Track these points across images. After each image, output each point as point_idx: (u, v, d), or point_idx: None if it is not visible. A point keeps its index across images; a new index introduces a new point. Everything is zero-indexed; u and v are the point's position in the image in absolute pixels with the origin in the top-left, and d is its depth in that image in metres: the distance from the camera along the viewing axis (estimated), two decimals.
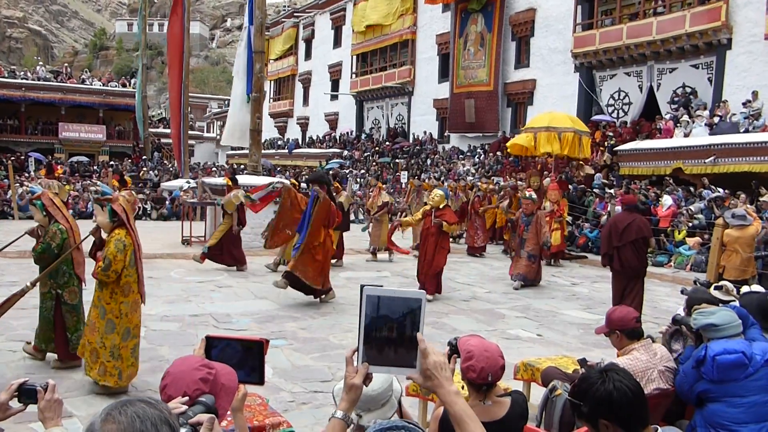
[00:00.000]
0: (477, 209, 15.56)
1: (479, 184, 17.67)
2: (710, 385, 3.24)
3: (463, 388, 3.35)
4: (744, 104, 17.03)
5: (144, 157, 33.83)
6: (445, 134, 30.59)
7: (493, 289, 10.96)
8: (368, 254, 14.00)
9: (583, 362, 3.96)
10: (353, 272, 12.25)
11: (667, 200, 15.43)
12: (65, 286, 5.79)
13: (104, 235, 5.32)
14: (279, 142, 42.66)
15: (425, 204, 10.70)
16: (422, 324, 1.69)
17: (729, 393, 3.19)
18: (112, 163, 31.92)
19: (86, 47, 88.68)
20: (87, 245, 5.75)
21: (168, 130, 38.43)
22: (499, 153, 24.99)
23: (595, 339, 7.44)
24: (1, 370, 5.66)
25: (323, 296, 9.16)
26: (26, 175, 25.38)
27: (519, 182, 17.20)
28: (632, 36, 21.01)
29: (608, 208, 15.96)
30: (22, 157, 31.42)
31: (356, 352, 1.73)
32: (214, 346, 2.20)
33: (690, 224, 14.41)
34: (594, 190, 18.11)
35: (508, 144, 19.61)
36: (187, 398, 1.74)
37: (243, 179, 15.35)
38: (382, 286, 1.73)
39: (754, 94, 17.03)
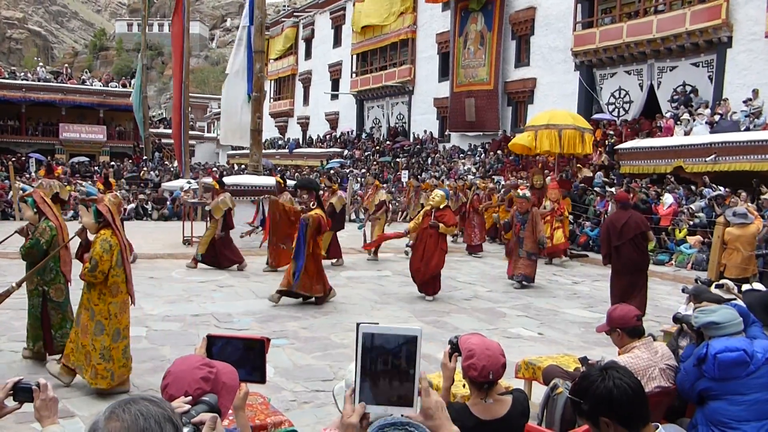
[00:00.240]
0: (476, 207, 15.55)
1: (477, 182, 17.65)
2: (711, 383, 3.24)
3: (464, 386, 3.36)
4: (745, 102, 17.03)
5: (145, 157, 33.84)
6: (446, 133, 30.59)
7: (494, 287, 10.96)
8: (368, 253, 13.98)
9: (584, 360, 3.96)
10: (354, 271, 12.26)
11: (667, 199, 15.42)
12: (51, 283, 5.81)
13: (90, 237, 5.33)
14: (279, 142, 42.67)
15: (422, 205, 10.64)
16: (419, 360, 1.68)
17: (730, 391, 3.19)
18: (112, 163, 31.93)
19: (86, 48, 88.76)
20: (74, 246, 5.75)
21: (168, 131, 38.53)
22: (499, 152, 25.00)
23: (597, 337, 7.44)
24: (2, 371, 5.66)
25: (327, 298, 9.17)
26: (27, 176, 25.37)
27: (519, 180, 17.19)
28: (632, 34, 21.00)
29: (609, 207, 15.96)
30: (23, 158, 31.44)
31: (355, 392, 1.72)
32: (215, 345, 2.21)
33: (691, 223, 14.40)
34: (595, 189, 18.11)
35: (510, 143, 19.63)
36: (189, 398, 1.75)
37: (238, 179, 15.38)
38: (378, 323, 1.73)
39: (755, 92, 17.02)
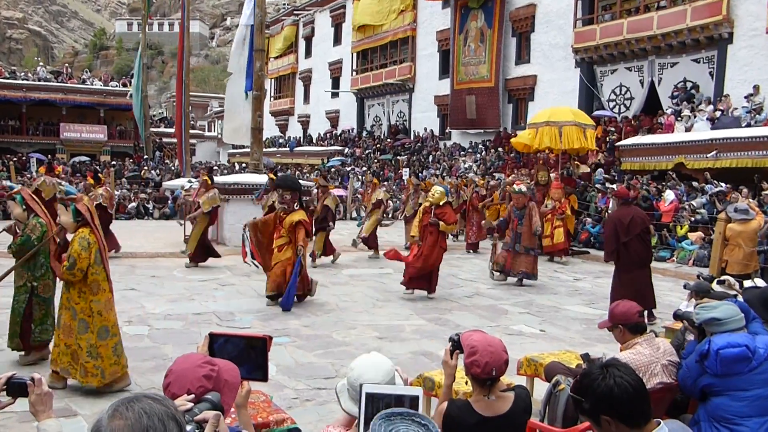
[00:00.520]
0: (475, 205, 15.52)
1: (477, 180, 17.62)
2: (714, 379, 3.24)
3: (466, 383, 3.36)
4: (746, 98, 17.01)
5: (146, 156, 33.86)
6: (447, 131, 30.59)
7: (496, 285, 10.95)
8: (368, 251, 13.91)
9: (585, 357, 3.96)
10: (356, 269, 12.26)
11: (669, 195, 15.41)
12: (41, 279, 5.81)
13: (69, 237, 5.35)
14: (280, 141, 42.67)
15: (420, 204, 10.49)
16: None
17: (732, 387, 3.19)
18: (114, 162, 31.94)
19: (86, 47, 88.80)
20: None
21: (169, 130, 38.56)
22: (500, 149, 24.99)
23: (598, 334, 7.45)
24: (2, 369, 5.67)
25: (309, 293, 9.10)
26: (28, 175, 25.39)
27: (522, 177, 17.14)
28: (633, 31, 20.98)
29: (610, 204, 15.94)
30: (24, 158, 31.46)
31: None
32: (217, 343, 2.21)
33: (692, 219, 14.39)
34: (596, 185, 18.10)
35: (512, 141, 19.60)
36: (192, 396, 1.75)
37: (239, 178, 15.39)
38: (380, 384, 1.96)
39: (756, 88, 17.00)
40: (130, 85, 38.16)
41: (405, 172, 26.18)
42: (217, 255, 11.93)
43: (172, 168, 30.75)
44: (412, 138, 32.32)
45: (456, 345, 2.87)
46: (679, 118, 18.20)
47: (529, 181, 15.56)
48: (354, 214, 21.76)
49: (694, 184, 16.17)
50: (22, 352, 5.93)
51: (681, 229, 14.40)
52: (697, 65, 19.98)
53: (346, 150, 34.39)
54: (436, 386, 4.27)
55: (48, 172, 19.21)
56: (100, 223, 12.07)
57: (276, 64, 45.01)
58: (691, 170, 16.81)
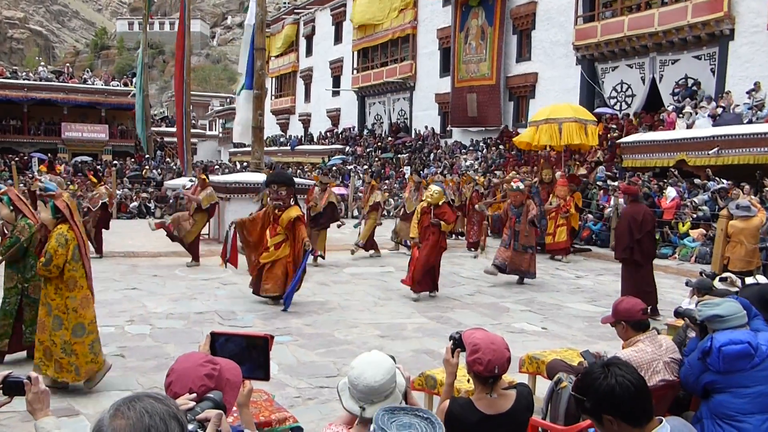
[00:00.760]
0: (475, 203, 15.48)
1: (477, 178, 17.58)
2: (716, 376, 3.24)
3: (468, 381, 3.36)
4: (748, 93, 16.98)
5: (147, 156, 33.88)
6: (448, 129, 30.56)
7: (497, 283, 10.93)
8: (363, 250, 13.79)
9: (586, 354, 3.96)
10: (357, 268, 12.26)
11: (670, 192, 15.40)
12: (31, 280, 5.80)
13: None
14: (281, 139, 42.68)
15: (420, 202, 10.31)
16: None
17: (735, 383, 3.19)
18: (115, 162, 31.97)
19: (87, 47, 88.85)
20: None
21: (170, 129, 38.57)
22: (501, 147, 24.98)
23: (600, 331, 7.45)
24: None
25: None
26: (30, 175, 25.41)
27: (523, 174, 17.11)
28: (634, 27, 20.94)
29: (611, 201, 15.92)
30: (26, 158, 31.51)
31: None
32: (219, 342, 2.21)
33: (694, 216, 14.38)
34: (597, 183, 18.09)
35: (514, 140, 19.60)
36: (194, 395, 1.75)
37: (239, 177, 15.39)
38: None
39: (757, 85, 16.96)
40: (132, 84, 38.23)
41: (407, 171, 26.21)
42: (197, 259, 11.95)
43: (174, 167, 30.76)
44: (413, 136, 32.31)
45: (457, 343, 2.87)
46: (681, 115, 18.17)
47: (532, 178, 15.50)
48: (356, 212, 21.75)
49: (696, 181, 16.15)
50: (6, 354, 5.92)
51: (683, 226, 14.38)
52: (699, 62, 19.94)
53: (347, 148, 34.38)
54: (438, 384, 4.27)
55: (50, 171, 19.24)
56: (101, 221, 11.98)
57: (277, 62, 45.01)
58: (693, 167, 16.79)
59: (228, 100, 59.86)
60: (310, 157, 35.91)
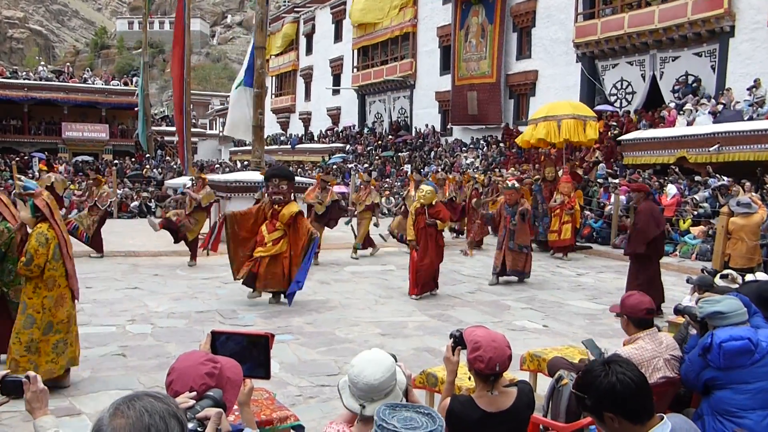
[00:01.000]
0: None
1: (476, 176, 17.54)
2: (717, 372, 3.24)
3: (469, 379, 3.36)
4: (748, 90, 16.96)
5: (147, 155, 33.90)
6: (448, 127, 30.56)
7: (498, 280, 10.92)
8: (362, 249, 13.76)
9: (588, 343, 3.94)
10: (358, 266, 12.27)
11: (671, 189, 15.39)
12: (11, 285, 5.73)
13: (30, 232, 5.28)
14: (282, 138, 42.68)
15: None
16: None
17: (735, 380, 3.20)
18: (116, 161, 31.99)
19: (87, 46, 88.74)
20: None
21: (171, 128, 38.54)
22: (502, 145, 24.96)
23: (601, 329, 7.46)
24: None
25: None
26: (30, 174, 25.42)
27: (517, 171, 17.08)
28: (634, 25, 20.93)
29: (611, 199, 15.91)
30: (26, 157, 31.52)
31: None
32: (219, 341, 2.21)
33: (695, 213, 14.37)
34: (598, 180, 18.08)
35: (517, 140, 19.57)
36: (194, 393, 1.75)
37: (240, 176, 15.40)
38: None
39: (757, 81, 16.95)
40: (132, 84, 38.27)
41: (407, 169, 26.20)
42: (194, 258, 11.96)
43: (174, 166, 30.77)
44: (413, 134, 32.30)
45: (458, 341, 2.87)
46: (682, 112, 18.16)
47: (533, 176, 15.46)
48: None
49: (697, 178, 16.15)
50: None
51: (683, 223, 14.37)
52: (699, 59, 19.92)
53: (348, 147, 34.38)
54: (439, 382, 4.27)
55: (50, 170, 19.17)
56: (99, 221, 11.85)
57: (277, 61, 44.99)
58: (694, 164, 16.78)
59: (228, 99, 59.78)
60: (310, 156, 35.92)
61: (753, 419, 3.12)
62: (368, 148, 32.87)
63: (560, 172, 15.09)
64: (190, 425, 1.53)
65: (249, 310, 8.36)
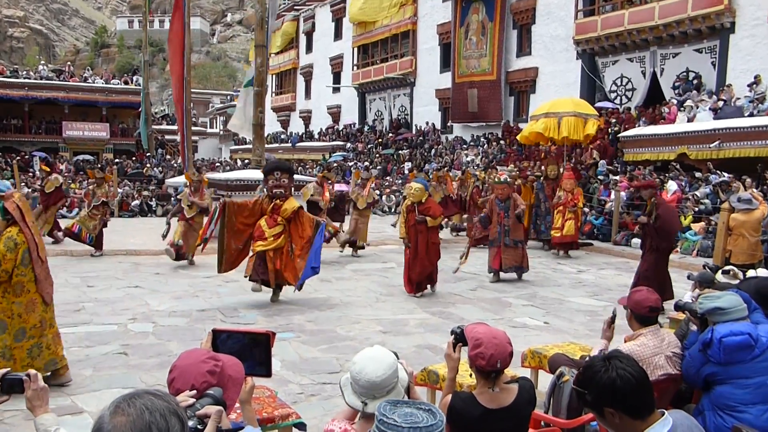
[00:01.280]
0: (476, 200, 15.42)
1: (478, 174, 17.52)
2: (717, 367, 3.25)
3: (471, 376, 3.37)
4: (749, 86, 16.95)
5: (148, 153, 33.91)
6: (448, 124, 30.55)
7: (500, 277, 10.92)
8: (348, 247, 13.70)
9: (613, 318, 3.91)
10: (359, 264, 12.28)
11: (671, 185, 15.38)
12: None
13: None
14: (282, 136, 42.68)
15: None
16: None
17: (735, 375, 3.20)
18: (117, 160, 32.00)
19: (87, 45, 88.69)
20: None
21: (171, 127, 38.55)
22: (502, 142, 24.95)
23: (602, 325, 7.43)
24: None
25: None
26: (31, 174, 25.44)
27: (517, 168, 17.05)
28: (634, 21, 20.91)
29: (612, 196, 15.90)
30: (27, 157, 31.52)
31: None
32: (221, 339, 2.22)
33: (696, 209, 14.36)
34: (599, 177, 18.08)
35: (518, 137, 19.56)
36: (194, 391, 1.76)
37: (241, 174, 15.41)
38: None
39: (757, 77, 16.93)
40: (132, 82, 38.26)
41: (407, 167, 26.20)
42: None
43: (175, 165, 30.77)
44: (413, 132, 32.29)
45: (459, 338, 2.87)
46: (682, 109, 18.14)
47: (534, 173, 15.44)
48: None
49: (697, 174, 16.14)
50: None
51: (685, 219, 14.36)
52: (699, 55, 19.90)
53: (348, 145, 34.38)
54: (441, 379, 4.27)
55: (51, 170, 19.22)
56: (104, 221, 11.81)
57: (277, 59, 44.96)
58: (694, 160, 16.77)
59: (229, 97, 59.86)
60: (311, 154, 35.93)
61: (753, 414, 3.13)
62: (369, 146, 32.87)
63: (562, 169, 15.05)
64: (190, 423, 1.54)
65: (250, 308, 8.36)
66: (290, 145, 38.88)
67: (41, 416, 2.04)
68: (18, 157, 29.08)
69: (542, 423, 3.59)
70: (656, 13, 20.22)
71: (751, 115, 16.19)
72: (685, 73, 20.07)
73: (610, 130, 20.11)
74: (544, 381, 4.59)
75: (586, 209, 16.30)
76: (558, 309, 8.66)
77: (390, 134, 33.21)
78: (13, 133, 36.13)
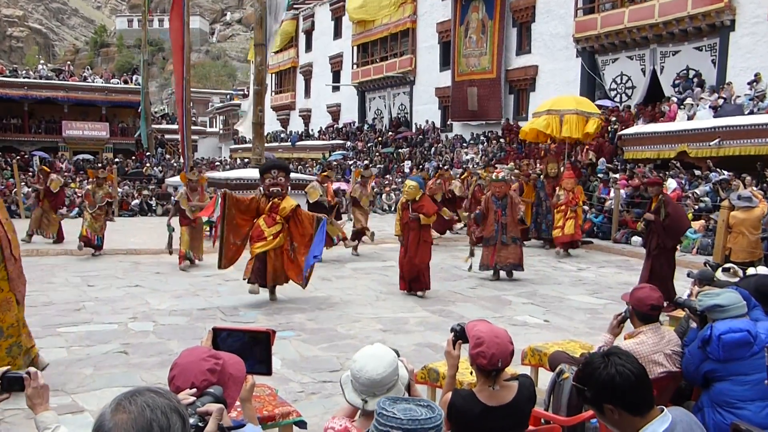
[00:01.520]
0: (478, 198, 15.38)
1: (480, 172, 17.50)
2: (716, 364, 3.26)
3: (471, 373, 3.37)
4: (749, 84, 16.94)
5: (148, 153, 33.90)
6: (448, 123, 30.54)
7: (500, 275, 10.93)
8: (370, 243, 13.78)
9: (626, 316, 3.89)
10: (359, 263, 12.28)
11: (671, 183, 15.38)
12: None
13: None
14: (282, 135, 42.66)
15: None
16: None
17: (734, 372, 3.21)
18: (116, 160, 32.00)
19: (87, 45, 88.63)
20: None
21: (171, 126, 38.53)
22: (502, 140, 24.94)
23: (602, 323, 7.45)
24: None
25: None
26: (31, 173, 25.45)
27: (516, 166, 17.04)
28: (634, 19, 20.91)
29: (611, 193, 15.91)
30: (27, 156, 31.52)
31: None
32: (221, 337, 2.22)
33: (696, 207, 14.36)
34: (598, 175, 18.07)
35: (520, 132, 19.54)
36: (195, 389, 1.76)
37: (241, 173, 15.43)
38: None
39: (757, 75, 16.92)
40: (132, 82, 38.26)
41: (407, 165, 26.20)
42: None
43: (175, 164, 30.76)
44: (413, 131, 32.28)
45: (459, 335, 2.87)
46: (682, 106, 18.14)
47: (535, 171, 15.41)
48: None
49: (697, 172, 16.14)
50: None
51: None
52: (699, 53, 19.89)
53: (348, 144, 34.37)
54: (441, 377, 4.28)
55: (51, 170, 19.20)
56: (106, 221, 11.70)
57: (276, 58, 44.95)
58: (694, 158, 16.76)
59: (228, 96, 59.85)
60: (310, 153, 35.91)
61: (752, 410, 3.14)
62: (368, 145, 32.87)
63: (562, 168, 15.03)
64: (191, 420, 1.54)
65: (250, 307, 8.37)
66: (290, 144, 38.87)
67: (41, 414, 2.05)
68: (18, 157, 29.07)
69: (542, 420, 3.60)
70: (656, 11, 20.21)
71: (751, 113, 16.18)
72: (685, 71, 20.06)
73: (609, 128, 20.10)
74: (544, 378, 4.60)
75: (586, 207, 16.31)
76: (558, 307, 8.67)
77: (390, 133, 33.21)
78: (12, 132, 36.12)
